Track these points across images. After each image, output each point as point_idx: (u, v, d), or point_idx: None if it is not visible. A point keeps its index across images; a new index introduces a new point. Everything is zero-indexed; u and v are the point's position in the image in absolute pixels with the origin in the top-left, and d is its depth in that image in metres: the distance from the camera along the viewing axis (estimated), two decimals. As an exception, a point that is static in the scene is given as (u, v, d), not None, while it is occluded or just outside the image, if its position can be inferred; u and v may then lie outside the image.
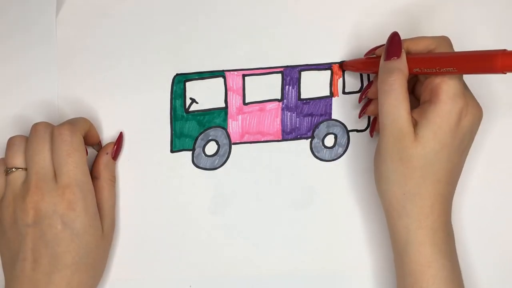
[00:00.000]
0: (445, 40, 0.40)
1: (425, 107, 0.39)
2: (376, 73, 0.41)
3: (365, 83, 0.47)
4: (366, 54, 0.45)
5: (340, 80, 0.47)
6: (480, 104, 0.40)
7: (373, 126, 0.46)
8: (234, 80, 0.47)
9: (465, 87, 0.40)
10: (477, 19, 0.47)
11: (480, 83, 0.44)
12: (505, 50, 0.34)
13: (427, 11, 0.47)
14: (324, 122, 0.47)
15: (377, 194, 0.42)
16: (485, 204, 0.46)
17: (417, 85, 0.43)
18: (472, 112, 0.39)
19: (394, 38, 0.40)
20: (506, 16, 0.47)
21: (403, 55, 0.40)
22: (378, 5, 0.47)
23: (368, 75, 0.47)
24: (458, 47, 0.41)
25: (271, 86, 0.47)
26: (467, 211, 0.46)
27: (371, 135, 0.46)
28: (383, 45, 0.42)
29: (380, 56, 0.41)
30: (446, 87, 0.38)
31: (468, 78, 0.41)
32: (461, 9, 0.47)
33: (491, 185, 0.46)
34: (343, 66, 0.47)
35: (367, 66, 0.45)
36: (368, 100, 0.45)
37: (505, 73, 0.34)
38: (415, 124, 0.39)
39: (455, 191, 0.42)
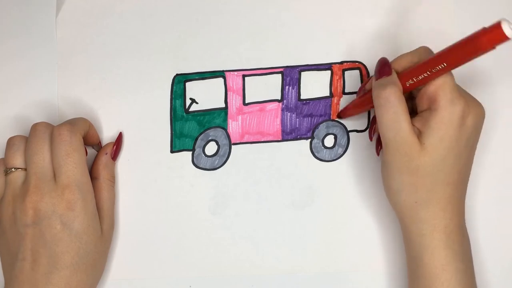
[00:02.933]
0: (425, 50, 0.40)
1: (426, 115, 0.39)
2: (373, 107, 0.41)
3: (365, 83, 0.47)
4: (358, 93, 0.45)
5: (340, 81, 0.47)
6: (482, 103, 0.40)
7: (378, 145, 0.45)
8: (234, 80, 0.47)
9: (461, 89, 0.39)
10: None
11: (479, 83, 0.44)
12: (484, 27, 0.34)
13: (427, 10, 0.47)
14: (324, 123, 0.47)
15: (389, 204, 0.42)
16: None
17: (411, 100, 0.43)
18: (474, 112, 0.39)
19: (382, 60, 0.41)
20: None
21: (394, 72, 0.40)
22: (379, 5, 0.47)
23: (368, 77, 0.47)
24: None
25: (271, 86, 0.47)
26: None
27: (378, 154, 0.45)
28: (371, 77, 0.42)
29: (370, 90, 0.41)
30: (442, 93, 0.38)
31: (467, 82, 0.40)
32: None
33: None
34: (341, 115, 0.46)
35: (364, 104, 0.44)
36: (379, 135, 0.45)
37: (495, 48, 0.34)
38: (419, 134, 0.39)
39: (466, 191, 0.41)
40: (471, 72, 0.46)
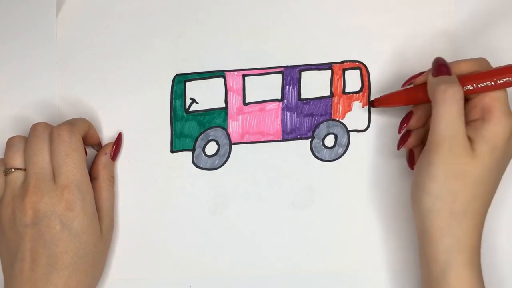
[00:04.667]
0: (485, 62, 0.40)
1: (478, 124, 0.38)
2: (417, 103, 0.41)
3: (366, 83, 0.47)
4: (403, 85, 0.43)
5: (340, 80, 0.47)
6: None
7: (412, 158, 0.44)
8: (234, 80, 0.47)
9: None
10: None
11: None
12: None
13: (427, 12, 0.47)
14: (324, 122, 0.47)
15: (413, 215, 0.41)
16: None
17: None
18: None
19: (440, 60, 0.40)
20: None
21: (454, 74, 0.39)
22: (379, 5, 0.47)
23: (369, 76, 0.47)
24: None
25: (271, 86, 0.47)
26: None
27: (412, 168, 0.44)
28: (422, 72, 0.41)
29: (420, 85, 0.41)
30: (498, 105, 0.38)
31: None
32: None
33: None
34: (375, 103, 0.45)
35: (406, 97, 0.43)
36: (407, 131, 0.44)
37: None
38: (470, 141, 0.38)
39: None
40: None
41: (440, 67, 0.40)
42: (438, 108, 0.38)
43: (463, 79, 0.39)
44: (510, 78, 0.37)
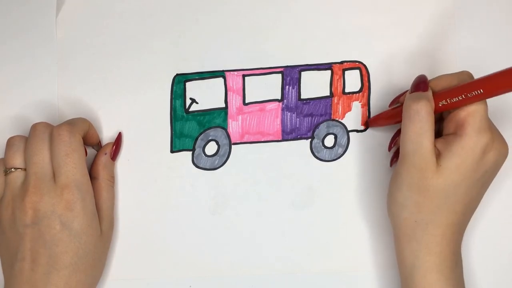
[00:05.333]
0: (467, 75, 0.40)
1: (450, 139, 0.39)
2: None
3: (366, 83, 0.47)
4: (390, 105, 0.45)
5: (340, 80, 0.47)
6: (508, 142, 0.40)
7: (394, 157, 0.45)
8: (234, 80, 0.47)
9: (491, 122, 0.39)
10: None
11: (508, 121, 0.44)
12: None
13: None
14: (324, 122, 0.47)
15: (388, 216, 0.42)
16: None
17: (440, 122, 0.43)
18: (497, 148, 0.38)
19: (421, 77, 0.40)
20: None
21: (430, 90, 0.40)
22: (379, 5, 0.47)
23: (368, 77, 0.47)
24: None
25: (271, 86, 0.47)
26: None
27: (391, 165, 0.46)
28: (406, 91, 0.42)
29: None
30: (471, 120, 0.38)
31: (495, 116, 0.40)
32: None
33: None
34: (369, 123, 0.46)
35: (393, 116, 0.44)
36: (397, 148, 0.45)
37: None
38: (438, 155, 0.39)
39: (469, 222, 0.41)
40: (506, 108, 0.46)
41: (418, 84, 0.40)
42: (403, 124, 0.39)
43: (437, 95, 0.39)
44: (479, 91, 0.36)
